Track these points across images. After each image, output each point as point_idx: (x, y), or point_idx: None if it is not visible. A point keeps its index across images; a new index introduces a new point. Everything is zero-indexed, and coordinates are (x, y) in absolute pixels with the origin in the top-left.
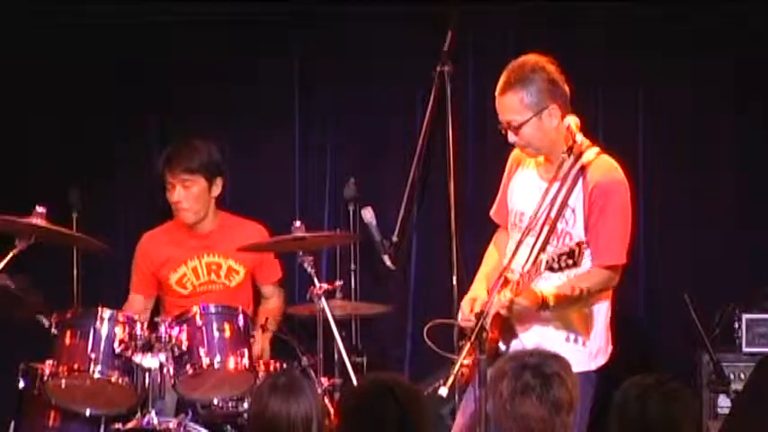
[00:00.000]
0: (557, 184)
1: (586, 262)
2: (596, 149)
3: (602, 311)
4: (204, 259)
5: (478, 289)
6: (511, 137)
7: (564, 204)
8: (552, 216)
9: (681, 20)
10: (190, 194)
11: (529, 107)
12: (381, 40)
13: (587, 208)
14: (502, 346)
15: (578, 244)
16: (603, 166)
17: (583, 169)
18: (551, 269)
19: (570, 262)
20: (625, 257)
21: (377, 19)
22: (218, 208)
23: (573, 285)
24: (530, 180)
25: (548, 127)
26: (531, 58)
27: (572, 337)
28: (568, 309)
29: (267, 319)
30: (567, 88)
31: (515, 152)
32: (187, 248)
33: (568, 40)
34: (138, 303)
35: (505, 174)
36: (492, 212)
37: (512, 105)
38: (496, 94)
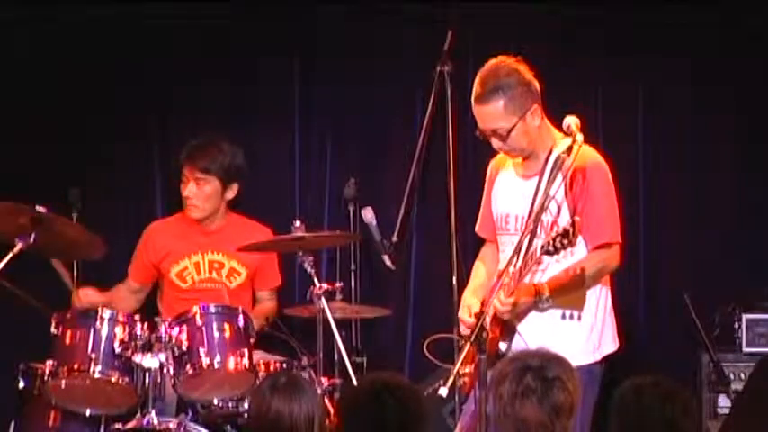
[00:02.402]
0: (536, 179)
1: (581, 249)
2: (569, 140)
3: (601, 297)
4: (208, 256)
5: (470, 300)
6: (495, 143)
7: (545, 196)
8: (536, 209)
9: (681, 20)
10: (201, 192)
11: (513, 113)
12: (381, 40)
13: (570, 195)
14: (502, 346)
15: (572, 223)
16: (578, 152)
17: (558, 158)
18: (548, 252)
19: (565, 242)
20: (619, 236)
21: (377, 19)
22: (229, 209)
23: (567, 269)
24: (509, 181)
25: (532, 128)
26: (502, 63)
27: (573, 326)
28: (567, 297)
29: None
30: (538, 84)
31: (493, 161)
32: (192, 243)
33: (568, 40)
34: (129, 288)
35: (486, 185)
36: (477, 228)
37: (495, 114)
38: (474, 103)
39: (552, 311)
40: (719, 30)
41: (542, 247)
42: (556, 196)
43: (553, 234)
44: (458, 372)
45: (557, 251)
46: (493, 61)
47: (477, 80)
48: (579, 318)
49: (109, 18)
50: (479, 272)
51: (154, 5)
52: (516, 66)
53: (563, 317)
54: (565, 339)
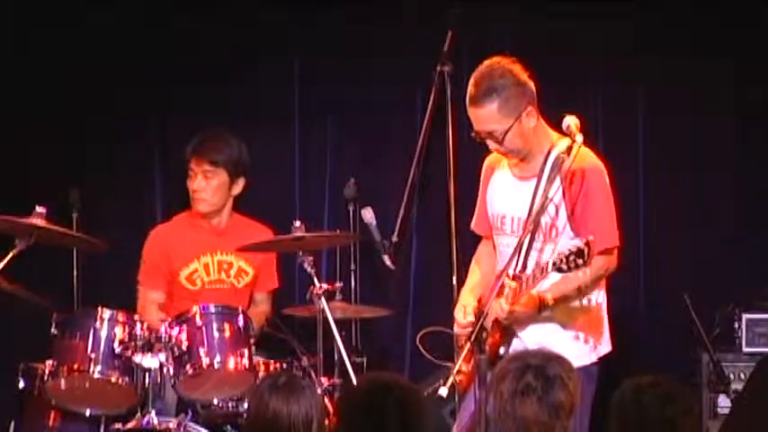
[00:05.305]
0: (534, 181)
1: None
2: (568, 140)
3: (599, 300)
4: (216, 257)
5: (467, 299)
6: (491, 145)
7: (544, 197)
8: (535, 211)
9: (681, 20)
10: (209, 186)
11: (508, 115)
12: (381, 40)
13: (568, 197)
14: (502, 350)
15: (587, 243)
16: (577, 153)
17: (558, 159)
18: (560, 270)
19: (580, 261)
20: (617, 239)
21: (377, 19)
22: (233, 210)
23: (569, 276)
24: (505, 181)
25: (527, 129)
26: (496, 64)
27: (572, 329)
28: (567, 302)
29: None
30: (533, 85)
31: (488, 159)
32: (199, 244)
33: (568, 40)
34: (159, 300)
35: (481, 183)
36: (473, 225)
37: (490, 116)
38: (469, 105)
39: (551, 316)
40: (719, 30)
41: (554, 264)
42: (554, 198)
43: (566, 252)
44: (457, 370)
45: (569, 270)
46: (487, 62)
47: (471, 82)
48: (578, 320)
49: (109, 18)
50: (475, 271)
51: (154, 6)
52: (511, 66)
53: (563, 321)
54: (564, 340)
